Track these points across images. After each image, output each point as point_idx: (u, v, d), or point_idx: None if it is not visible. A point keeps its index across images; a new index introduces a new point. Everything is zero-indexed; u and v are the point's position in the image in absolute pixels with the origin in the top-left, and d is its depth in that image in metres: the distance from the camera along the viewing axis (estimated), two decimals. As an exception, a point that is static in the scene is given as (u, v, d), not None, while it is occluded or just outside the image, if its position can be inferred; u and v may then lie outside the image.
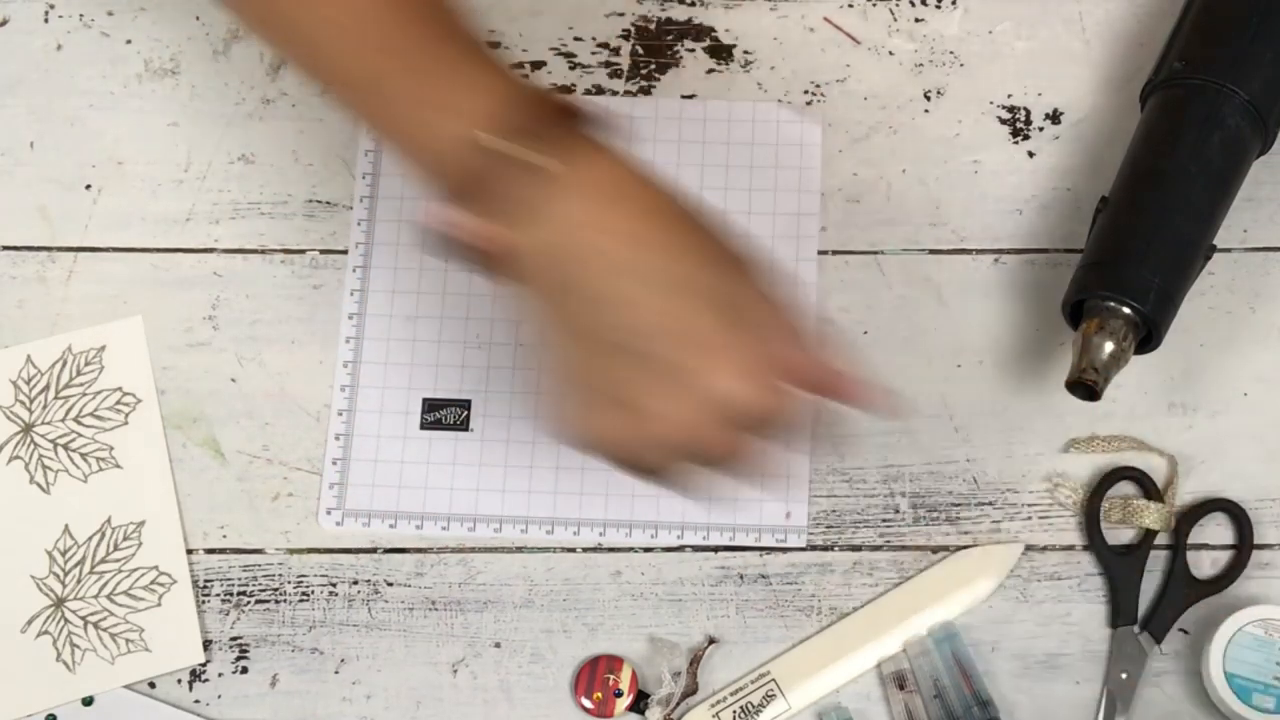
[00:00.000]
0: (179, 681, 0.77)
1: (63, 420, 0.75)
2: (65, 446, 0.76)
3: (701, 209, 0.61)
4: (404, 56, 0.61)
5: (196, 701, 0.77)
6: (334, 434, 0.81)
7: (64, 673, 0.75)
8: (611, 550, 0.79)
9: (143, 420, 0.78)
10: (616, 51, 0.87)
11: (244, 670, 0.77)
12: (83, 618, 0.76)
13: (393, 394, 0.81)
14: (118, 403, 0.77)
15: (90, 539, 0.76)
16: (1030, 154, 0.85)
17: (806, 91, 0.86)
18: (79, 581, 0.75)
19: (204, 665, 0.77)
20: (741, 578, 0.79)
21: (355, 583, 0.79)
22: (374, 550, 0.79)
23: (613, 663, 0.77)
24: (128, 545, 0.75)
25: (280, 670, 0.77)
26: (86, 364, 0.76)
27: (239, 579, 0.78)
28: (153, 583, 0.76)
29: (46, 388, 0.76)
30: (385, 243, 0.84)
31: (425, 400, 0.81)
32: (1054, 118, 0.86)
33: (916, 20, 0.87)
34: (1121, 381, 0.81)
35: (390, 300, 0.83)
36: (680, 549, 0.79)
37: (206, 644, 0.78)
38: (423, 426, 0.81)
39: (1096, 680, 0.77)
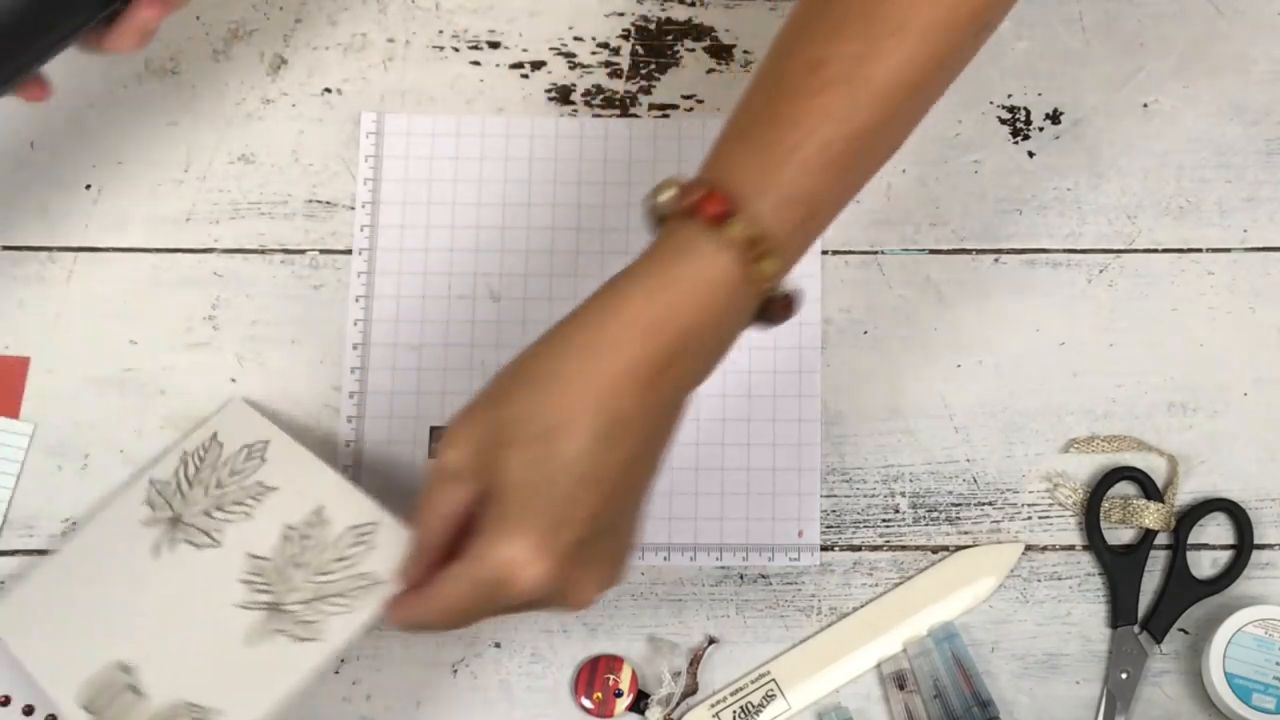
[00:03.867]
0: (179, 681, 0.77)
1: (205, 498, 0.76)
2: (219, 509, 0.75)
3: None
4: None
5: (196, 701, 0.77)
6: (341, 465, 0.80)
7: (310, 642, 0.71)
8: (611, 550, 0.79)
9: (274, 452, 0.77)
10: (616, 51, 0.87)
11: (244, 670, 0.77)
12: (304, 602, 0.72)
13: (400, 424, 0.81)
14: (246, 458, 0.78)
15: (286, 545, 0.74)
16: (1030, 154, 0.85)
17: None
18: (287, 581, 0.73)
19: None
20: (741, 578, 0.79)
21: (355, 583, 0.79)
22: (374, 550, 0.79)
23: (613, 663, 0.77)
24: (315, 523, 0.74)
25: (280, 670, 0.77)
26: (247, 458, 0.77)
27: (239, 579, 0.78)
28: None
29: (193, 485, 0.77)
30: (389, 248, 0.84)
31: (433, 429, 0.81)
32: (1054, 118, 0.86)
33: (916, 20, 0.87)
34: (1122, 381, 0.81)
35: (394, 329, 0.82)
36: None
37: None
38: (431, 456, 0.80)
39: (1096, 680, 0.77)
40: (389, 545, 0.71)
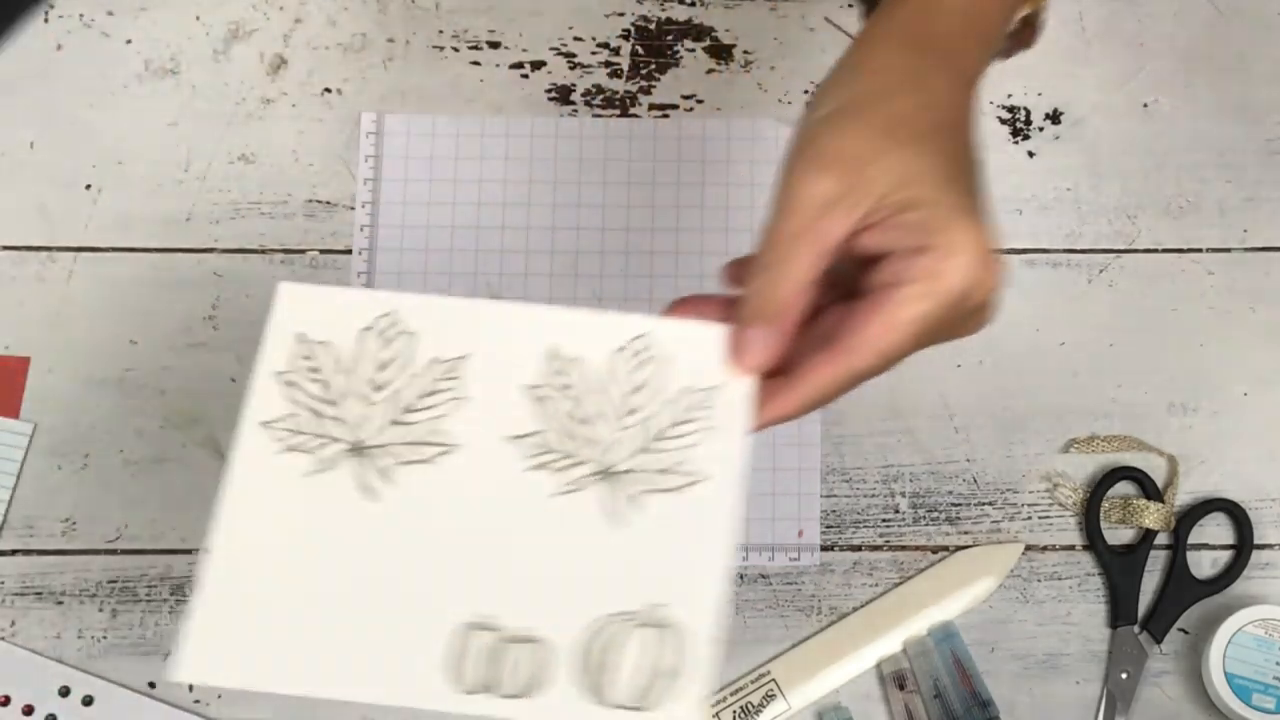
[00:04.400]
0: (179, 681, 0.77)
1: (370, 407, 0.58)
2: (409, 411, 0.57)
3: None
4: None
5: (196, 702, 0.77)
6: None
7: None
8: (611, 550, 0.79)
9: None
10: (616, 51, 0.87)
11: (244, 670, 0.77)
12: (639, 451, 0.57)
13: None
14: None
15: None
16: (1030, 154, 0.85)
17: (806, 91, 0.86)
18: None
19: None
20: (741, 578, 0.79)
21: (355, 583, 0.79)
22: (374, 550, 0.79)
23: (613, 663, 0.77)
24: None
25: (280, 670, 0.77)
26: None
27: (239, 579, 0.78)
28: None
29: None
30: (389, 249, 0.84)
31: None
32: (1054, 118, 0.86)
33: (916, 20, 0.87)
34: (1122, 381, 0.81)
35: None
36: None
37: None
38: None
39: (1096, 680, 0.77)
40: (687, 347, 0.56)
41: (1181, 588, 0.78)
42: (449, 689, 0.53)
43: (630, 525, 0.55)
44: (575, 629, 0.54)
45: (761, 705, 0.76)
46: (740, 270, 0.56)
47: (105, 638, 0.78)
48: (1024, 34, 0.65)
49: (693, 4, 0.88)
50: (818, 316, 0.55)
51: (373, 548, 0.55)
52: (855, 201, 0.52)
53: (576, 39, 0.88)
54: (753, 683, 0.77)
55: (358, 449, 0.57)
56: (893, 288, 0.52)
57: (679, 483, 0.55)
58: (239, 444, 0.57)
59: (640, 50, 0.87)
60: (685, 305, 0.57)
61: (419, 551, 0.55)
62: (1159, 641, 0.77)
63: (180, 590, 0.78)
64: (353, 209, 0.84)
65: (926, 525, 0.80)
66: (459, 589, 0.54)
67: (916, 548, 0.79)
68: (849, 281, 0.55)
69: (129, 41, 0.87)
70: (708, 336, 0.56)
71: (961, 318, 0.54)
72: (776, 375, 0.55)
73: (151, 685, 0.77)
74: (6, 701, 0.77)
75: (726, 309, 0.56)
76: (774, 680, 0.77)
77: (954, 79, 0.57)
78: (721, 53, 0.87)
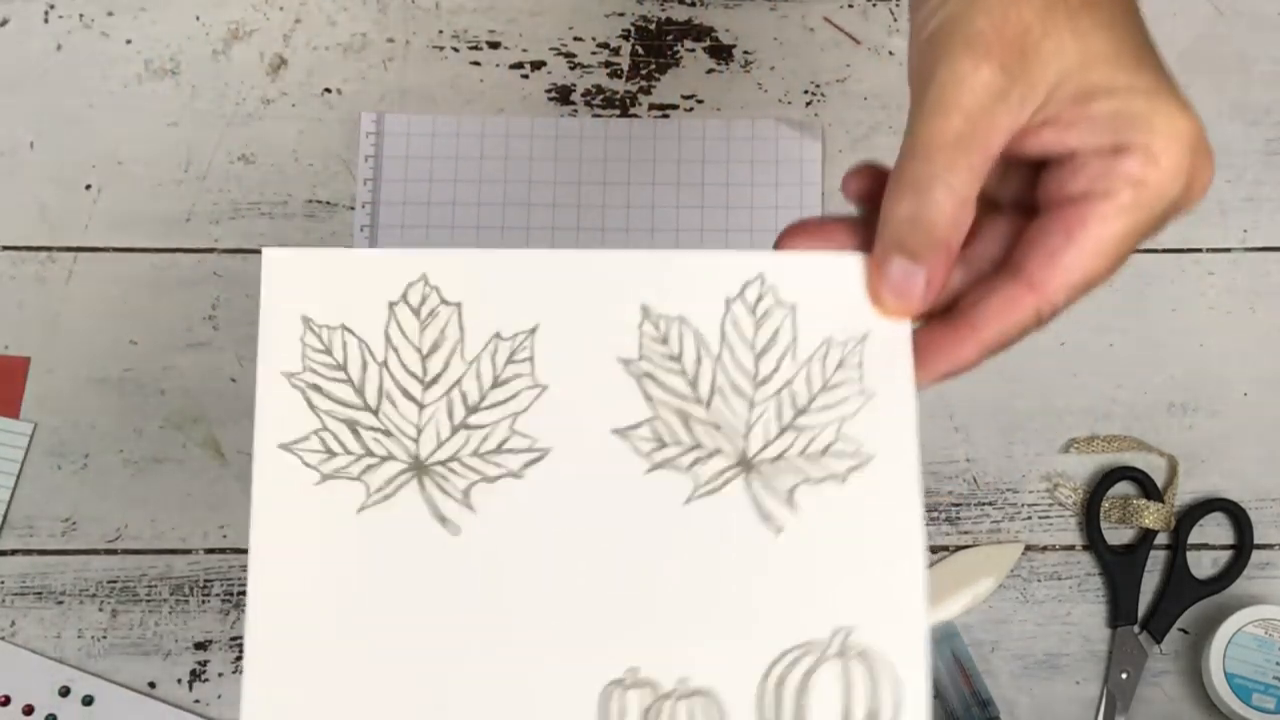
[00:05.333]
0: (179, 681, 0.77)
1: (424, 412, 0.46)
2: (474, 411, 0.45)
3: None
4: None
5: (196, 701, 0.77)
6: None
7: None
8: (611, 550, 0.79)
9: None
10: (616, 51, 0.87)
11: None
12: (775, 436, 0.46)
13: None
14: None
15: None
16: (1030, 154, 0.85)
17: (806, 91, 0.86)
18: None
19: (204, 665, 0.77)
20: (741, 578, 0.79)
21: (355, 583, 0.79)
22: (374, 550, 0.79)
23: (613, 663, 0.77)
24: None
25: (280, 670, 0.77)
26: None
27: (239, 579, 0.78)
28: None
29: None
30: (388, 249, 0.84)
31: None
32: (1054, 118, 0.86)
33: (916, 20, 0.87)
34: (1122, 381, 0.81)
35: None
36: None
37: (206, 644, 0.78)
38: None
39: (1096, 680, 0.77)
40: (820, 288, 0.45)
41: (1181, 588, 0.78)
42: None
43: (790, 529, 0.44)
44: (748, 672, 0.43)
45: (761, 705, 0.76)
46: (872, 183, 0.46)
47: (105, 638, 0.78)
48: None
49: (693, 4, 0.88)
50: (972, 238, 0.45)
51: (463, 597, 0.43)
52: (1025, 92, 0.43)
53: (576, 39, 0.88)
54: (753, 683, 0.77)
55: (419, 468, 0.44)
56: (1089, 201, 0.44)
57: (842, 467, 0.45)
58: (258, 476, 0.44)
59: (640, 50, 0.87)
60: (804, 232, 0.46)
61: (525, 595, 0.43)
62: (1159, 641, 0.77)
63: (180, 590, 0.78)
64: (353, 209, 0.84)
65: (926, 525, 0.79)
66: (590, 638, 0.43)
67: (916, 548, 0.79)
68: (1010, 190, 0.46)
69: (129, 41, 0.87)
70: (846, 271, 0.45)
71: (1168, 222, 0.45)
72: (935, 316, 0.46)
73: (151, 685, 0.77)
74: (6, 701, 0.77)
75: (859, 234, 0.45)
76: (774, 680, 0.77)
77: None
78: (721, 53, 0.87)
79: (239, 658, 0.78)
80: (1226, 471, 0.80)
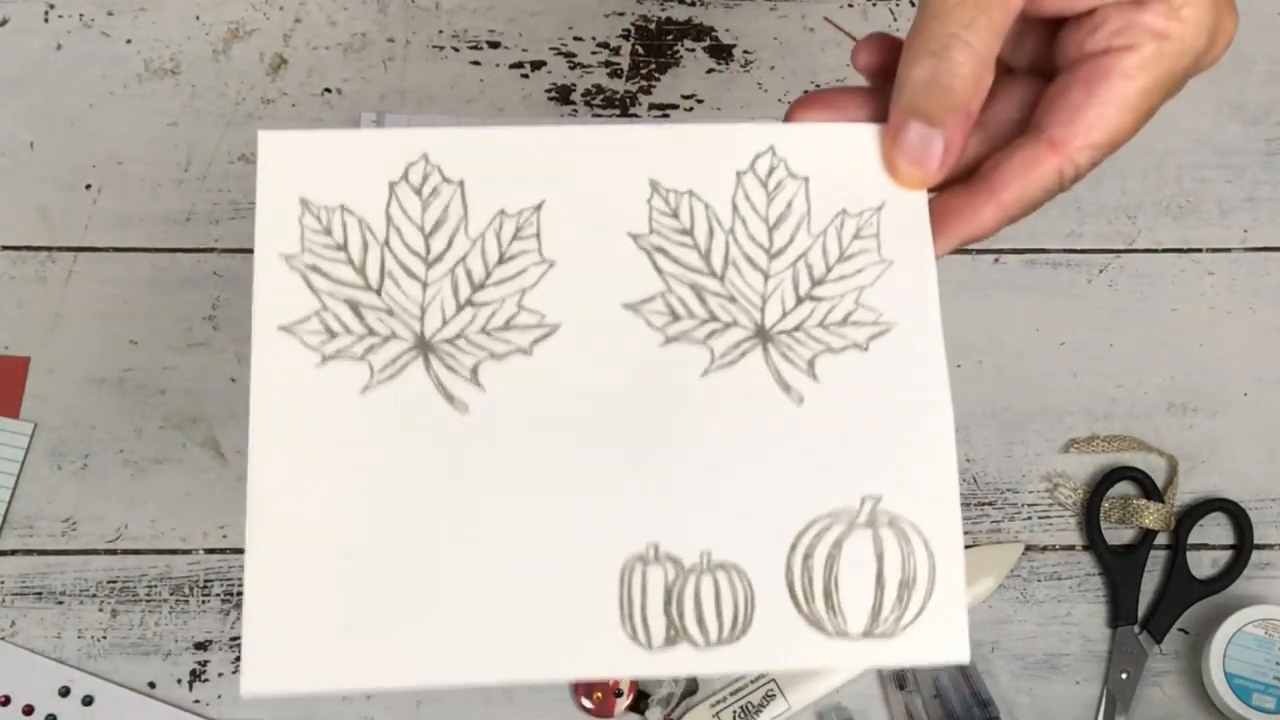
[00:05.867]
0: (179, 681, 0.77)
1: (428, 289, 0.45)
2: (480, 287, 0.44)
3: None
4: None
5: (196, 701, 0.77)
6: None
7: None
8: (611, 550, 0.79)
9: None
10: (616, 51, 0.87)
11: (244, 670, 0.77)
12: (793, 307, 0.46)
13: None
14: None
15: None
16: (1030, 154, 0.85)
17: (806, 91, 0.86)
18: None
19: (204, 665, 0.77)
20: (741, 578, 0.79)
21: (355, 583, 0.79)
22: (374, 550, 0.79)
23: (613, 663, 0.77)
24: None
25: (280, 670, 0.77)
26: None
27: (239, 579, 0.78)
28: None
29: None
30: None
31: None
32: (1054, 118, 0.86)
33: (916, 20, 0.87)
34: (1122, 381, 0.81)
35: None
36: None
37: (206, 644, 0.78)
38: None
39: (1096, 680, 0.77)
40: (833, 159, 0.44)
41: (1181, 588, 0.78)
42: (634, 647, 0.41)
43: (812, 399, 0.43)
44: (775, 544, 0.42)
45: (761, 705, 0.76)
46: (884, 55, 0.44)
47: (105, 638, 0.78)
48: None
49: (693, 4, 0.88)
50: (988, 103, 0.44)
51: (474, 476, 0.42)
52: None
53: (576, 39, 0.88)
54: (753, 683, 0.77)
55: (424, 346, 0.43)
56: (1110, 56, 0.42)
57: (863, 336, 0.43)
58: (256, 359, 0.43)
59: (640, 50, 0.87)
60: (816, 103, 0.45)
61: (539, 473, 0.42)
62: (1159, 641, 0.77)
63: (180, 590, 0.78)
64: (353, 209, 0.84)
65: (926, 525, 0.80)
66: (608, 515, 0.42)
67: (916, 548, 0.79)
68: (1026, 53, 0.45)
69: (129, 41, 0.87)
70: (860, 142, 0.44)
71: (1190, 77, 0.44)
72: (953, 182, 0.44)
73: (151, 685, 0.77)
74: (6, 701, 0.77)
75: (872, 104, 0.44)
76: (774, 680, 0.77)
77: None
78: (721, 53, 0.87)
79: (239, 658, 0.78)
80: (1226, 471, 0.80)
